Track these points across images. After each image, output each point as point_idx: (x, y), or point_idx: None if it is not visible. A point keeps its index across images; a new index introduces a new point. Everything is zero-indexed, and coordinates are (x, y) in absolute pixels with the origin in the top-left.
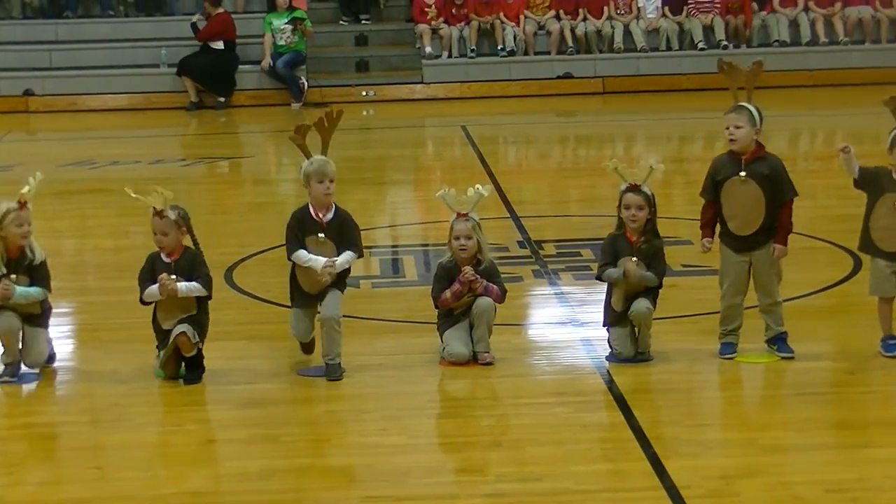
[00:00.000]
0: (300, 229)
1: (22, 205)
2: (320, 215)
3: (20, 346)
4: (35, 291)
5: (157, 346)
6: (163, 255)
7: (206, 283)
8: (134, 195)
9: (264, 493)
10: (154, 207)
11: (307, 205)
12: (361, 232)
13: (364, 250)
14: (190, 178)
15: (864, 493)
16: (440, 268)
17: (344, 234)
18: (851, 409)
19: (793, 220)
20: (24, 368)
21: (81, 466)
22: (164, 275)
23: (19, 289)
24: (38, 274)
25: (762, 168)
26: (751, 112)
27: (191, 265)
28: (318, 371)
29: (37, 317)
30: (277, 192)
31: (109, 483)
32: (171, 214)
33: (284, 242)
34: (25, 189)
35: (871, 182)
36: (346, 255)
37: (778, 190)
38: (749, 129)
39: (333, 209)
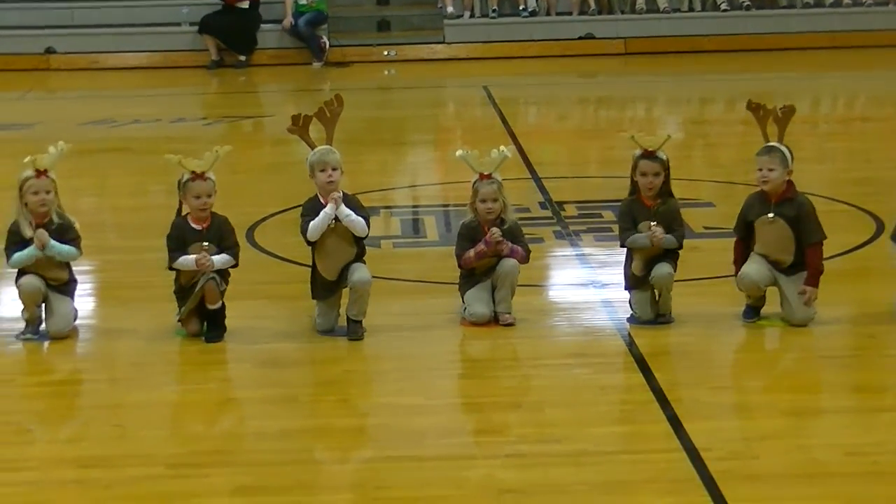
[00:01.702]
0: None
1: (40, 173)
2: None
3: (43, 312)
4: (68, 249)
5: (179, 305)
6: (191, 222)
7: (236, 253)
8: (177, 161)
9: (283, 452)
10: (194, 171)
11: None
12: (381, 192)
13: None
14: (210, 137)
15: (883, 457)
16: (464, 227)
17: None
18: (871, 372)
19: (823, 262)
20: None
21: (102, 424)
22: (203, 253)
23: (54, 242)
24: (68, 237)
25: (789, 210)
26: (783, 154)
27: (221, 233)
28: (341, 331)
29: (63, 284)
30: (297, 152)
31: (129, 441)
32: (213, 176)
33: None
34: (44, 157)
35: None
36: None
37: (804, 231)
38: (781, 171)
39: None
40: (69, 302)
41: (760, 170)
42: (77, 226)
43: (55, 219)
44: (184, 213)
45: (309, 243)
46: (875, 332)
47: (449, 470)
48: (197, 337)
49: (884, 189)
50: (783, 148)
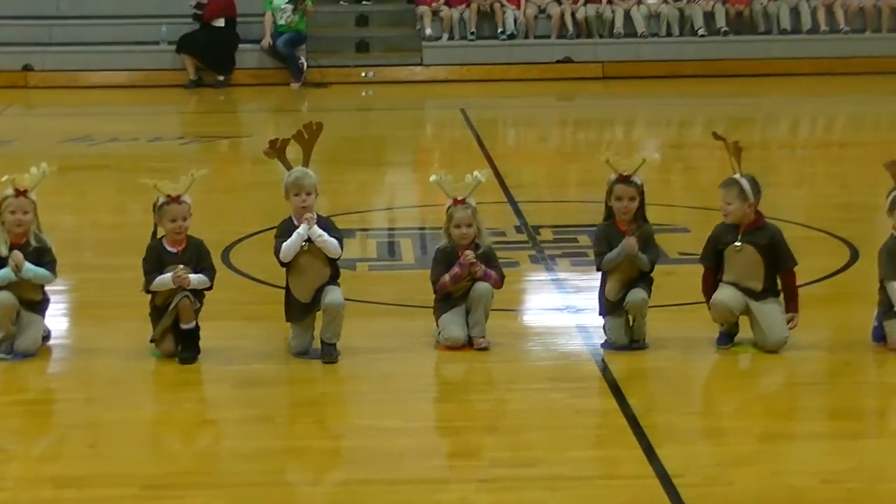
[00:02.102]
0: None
1: (19, 192)
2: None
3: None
4: (42, 272)
5: (154, 326)
6: (167, 245)
7: (212, 275)
8: (153, 185)
9: (258, 473)
10: (169, 195)
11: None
12: (358, 214)
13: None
14: (188, 156)
15: (858, 484)
16: (439, 252)
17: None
18: (846, 398)
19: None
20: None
21: (76, 443)
22: (181, 268)
23: (29, 265)
24: (44, 260)
25: (760, 239)
26: (741, 187)
27: (197, 255)
28: (315, 354)
29: (36, 303)
30: (275, 172)
31: (104, 460)
32: (188, 199)
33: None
34: (26, 177)
35: None
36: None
37: (778, 259)
38: (740, 205)
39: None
40: (40, 320)
41: (722, 203)
42: (53, 249)
43: (32, 241)
44: (159, 235)
45: (282, 264)
46: (850, 358)
47: (423, 493)
48: (171, 357)
49: (862, 215)
50: (742, 181)
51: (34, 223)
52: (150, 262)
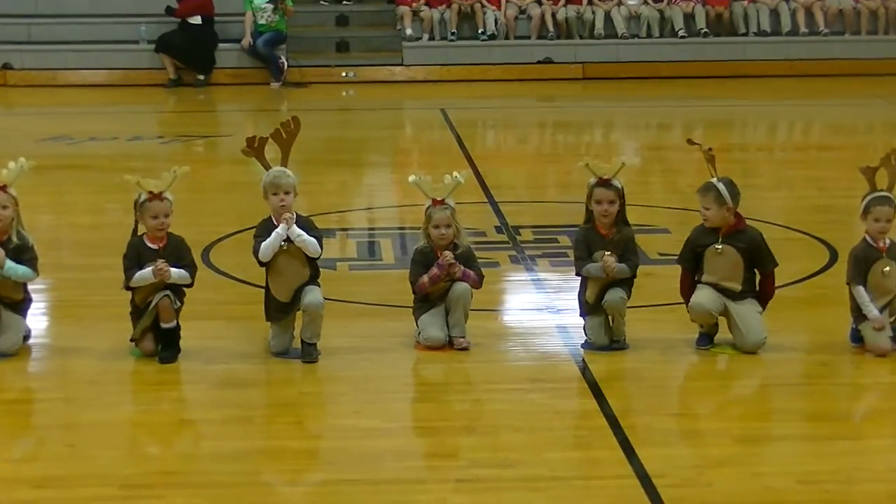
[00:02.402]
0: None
1: None
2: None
3: None
4: (24, 270)
5: (134, 326)
6: (147, 242)
7: (193, 271)
8: (135, 181)
9: (237, 473)
10: (151, 192)
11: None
12: (339, 213)
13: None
14: (167, 155)
15: (835, 486)
16: (417, 252)
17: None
18: (824, 400)
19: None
20: None
21: (54, 444)
22: (161, 262)
23: (10, 263)
24: (24, 257)
25: (740, 241)
26: (718, 192)
27: (178, 252)
28: (295, 353)
29: (17, 303)
30: (255, 172)
31: (82, 461)
32: (170, 196)
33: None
34: (3, 172)
35: None
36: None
37: (758, 261)
38: (718, 209)
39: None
40: (21, 320)
41: (701, 207)
42: (35, 245)
43: (14, 238)
44: (140, 232)
45: (261, 264)
46: (828, 360)
47: (402, 494)
48: (151, 357)
49: (840, 217)
50: (719, 185)
51: (15, 219)
52: (131, 259)
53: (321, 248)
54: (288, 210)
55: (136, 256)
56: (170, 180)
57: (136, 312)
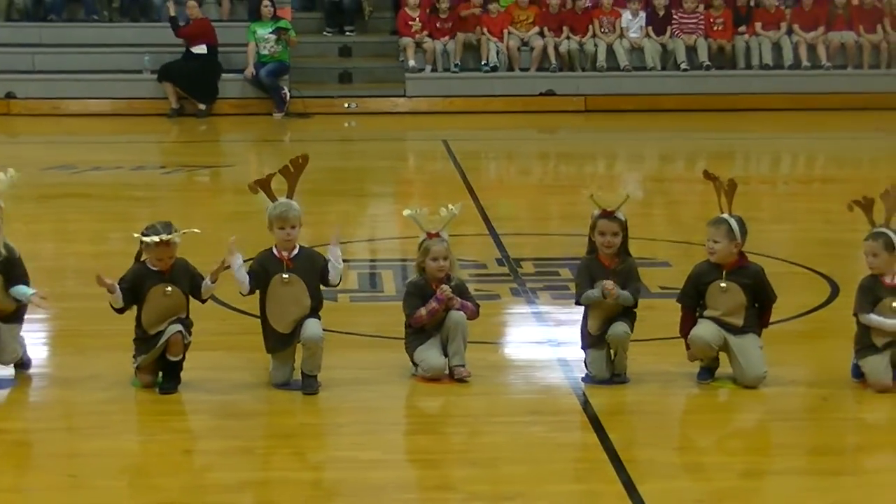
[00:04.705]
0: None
1: None
2: (283, 254)
3: None
4: (24, 290)
5: (135, 356)
6: (150, 265)
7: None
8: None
9: None
10: (161, 238)
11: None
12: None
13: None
14: (170, 185)
15: None
16: (411, 285)
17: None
18: (825, 435)
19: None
20: None
21: (56, 474)
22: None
23: (18, 287)
24: (15, 272)
25: (744, 278)
26: (730, 226)
27: (188, 272)
28: (296, 385)
29: (11, 314)
30: (258, 202)
31: (84, 491)
32: (177, 238)
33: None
34: None
35: None
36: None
37: (759, 295)
38: (727, 244)
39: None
40: (17, 328)
41: (709, 240)
42: (21, 256)
43: (2, 251)
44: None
45: (244, 294)
46: (829, 394)
47: None
48: (150, 388)
49: (843, 251)
50: (731, 220)
51: (1, 231)
52: (130, 282)
53: (339, 277)
54: (293, 245)
55: (137, 279)
56: (180, 234)
57: (143, 339)
